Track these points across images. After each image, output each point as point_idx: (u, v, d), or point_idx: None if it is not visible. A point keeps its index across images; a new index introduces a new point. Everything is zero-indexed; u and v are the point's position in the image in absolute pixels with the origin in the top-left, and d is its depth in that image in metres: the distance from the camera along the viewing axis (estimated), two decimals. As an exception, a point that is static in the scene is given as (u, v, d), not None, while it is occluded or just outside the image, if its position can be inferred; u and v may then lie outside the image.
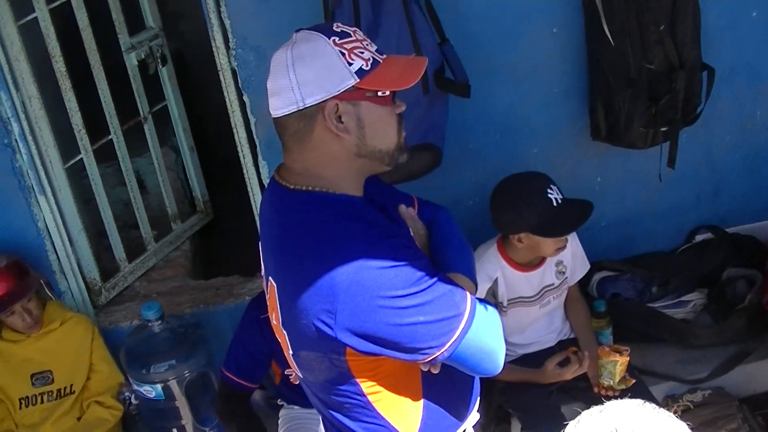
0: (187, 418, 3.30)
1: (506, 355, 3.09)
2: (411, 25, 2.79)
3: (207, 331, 3.39)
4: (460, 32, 2.99)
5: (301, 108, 1.62)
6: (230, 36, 3.03)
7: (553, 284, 3.05)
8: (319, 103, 1.61)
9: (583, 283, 3.29)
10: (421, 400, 1.81)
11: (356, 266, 1.57)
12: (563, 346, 3.06)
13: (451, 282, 1.67)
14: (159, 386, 3.19)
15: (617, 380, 2.91)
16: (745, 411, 3.18)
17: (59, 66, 3.40)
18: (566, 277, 3.08)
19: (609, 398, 3.07)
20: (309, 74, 1.60)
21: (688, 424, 1.26)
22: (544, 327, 3.15)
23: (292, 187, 1.70)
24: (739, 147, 3.47)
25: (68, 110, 3.47)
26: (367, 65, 1.62)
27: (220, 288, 3.64)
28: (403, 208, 1.90)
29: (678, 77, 2.96)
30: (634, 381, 2.94)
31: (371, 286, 1.57)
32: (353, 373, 1.71)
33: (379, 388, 1.75)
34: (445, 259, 1.84)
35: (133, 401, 3.36)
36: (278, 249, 1.73)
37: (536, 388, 2.96)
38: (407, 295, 1.59)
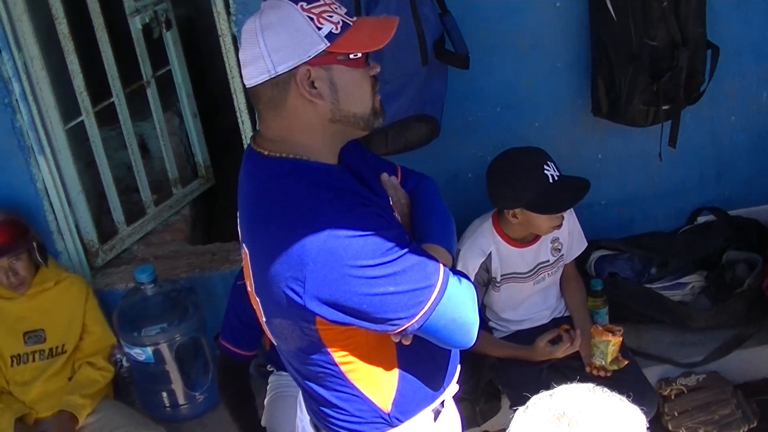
0: (177, 383, 3.31)
1: (498, 330, 3.11)
2: (411, -6, 2.76)
3: (201, 296, 3.39)
4: (461, 4, 2.95)
5: (273, 76, 1.61)
6: (231, 1, 3.02)
7: (548, 261, 3.02)
8: (290, 69, 1.60)
9: (581, 261, 3.27)
10: (396, 371, 1.79)
11: (326, 235, 1.56)
12: (557, 324, 3.05)
13: (424, 253, 1.65)
14: (149, 349, 3.20)
15: (609, 360, 2.88)
16: (740, 396, 3.15)
17: (62, 27, 3.39)
18: (562, 255, 3.05)
19: (601, 378, 3.05)
20: (278, 41, 1.59)
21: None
22: (538, 304, 3.12)
23: (266, 153, 1.69)
24: (744, 128, 3.42)
25: (70, 72, 3.47)
26: (336, 28, 1.60)
27: (217, 253, 3.64)
28: (385, 176, 1.88)
29: (680, 54, 2.91)
30: (626, 362, 2.92)
31: (340, 255, 1.56)
32: (324, 342, 1.70)
33: (351, 358, 1.74)
34: (426, 230, 1.83)
35: (125, 363, 3.37)
36: (251, 216, 1.72)
37: (527, 366, 2.94)
38: (376, 265, 1.57)
